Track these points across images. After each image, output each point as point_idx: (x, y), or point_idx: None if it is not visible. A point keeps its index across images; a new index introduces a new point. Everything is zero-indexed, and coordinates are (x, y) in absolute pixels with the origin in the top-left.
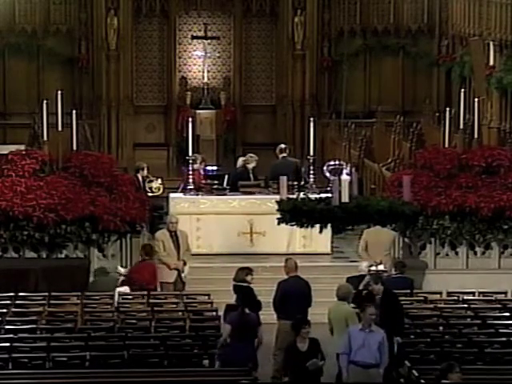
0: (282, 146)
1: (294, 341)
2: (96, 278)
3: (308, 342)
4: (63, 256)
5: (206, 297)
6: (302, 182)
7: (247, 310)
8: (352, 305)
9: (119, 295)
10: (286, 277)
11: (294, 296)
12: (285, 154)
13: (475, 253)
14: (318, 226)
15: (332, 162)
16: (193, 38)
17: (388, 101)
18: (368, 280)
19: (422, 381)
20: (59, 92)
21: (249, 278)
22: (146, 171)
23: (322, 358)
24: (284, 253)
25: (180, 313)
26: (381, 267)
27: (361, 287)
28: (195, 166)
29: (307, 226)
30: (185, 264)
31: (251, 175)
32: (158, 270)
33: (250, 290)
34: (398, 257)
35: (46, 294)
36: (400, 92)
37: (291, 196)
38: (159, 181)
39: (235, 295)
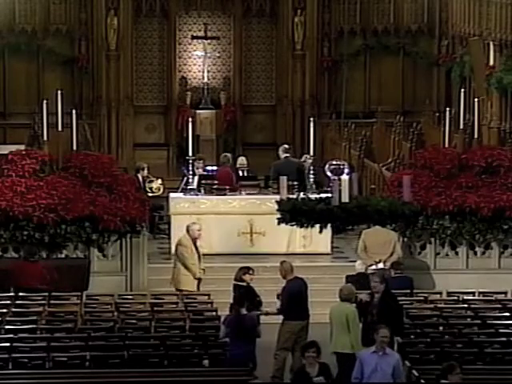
0: (286, 146)
1: (303, 365)
2: None
3: (318, 366)
4: (63, 256)
5: (206, 297)
6: (308, 185)
7: (244, 311)
8: (354, 305)
9: None
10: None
11: (298, 297)
12: (287, 155)
13: (475, 253)
14: (317, 226)
15: (334, 162)
16: (193, 38)
17: (388, 101)
18: (372, 278)
19: (422, 381)
20: (59, 92)
21: (247, 277)
22: (146, 171)
23: (331, 383)
24: (284, 253)
25: (180, 313)
26: (380, 265)
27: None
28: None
29: (307, 226)
30: (204, 273)
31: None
32: (183, 278)
33: (248, 290)
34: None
35: (46, 294)
36: (400, 92)
37: (291, 196)
38: (159, 181)
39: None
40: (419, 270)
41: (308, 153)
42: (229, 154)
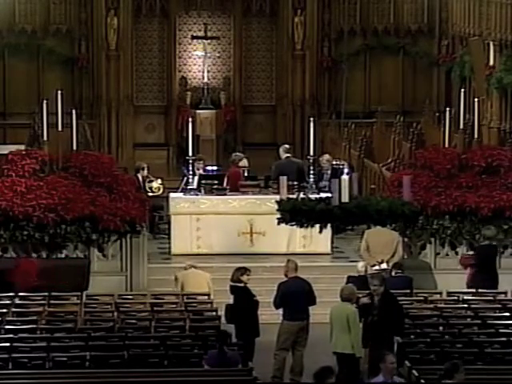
0: (287, 146)
1: None
2: None
3: None
4: (63, 256)
5: (206, 297)
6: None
7: (226, 349)
8: (355, 305)
9: None
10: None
11: (294, 296)
12: (288, 155)
13: None
14: (317, 226)
15: (334, 162)
16: (193, 38)
17: (388, 101)
18: (372, 281)
19: (422, 381)
20: (59, 92)
21: (244, 277)
22: (146, 171)
23: None
24: (284, 253)
25: (180, 313)
26: (384, 266)
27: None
28: (240, 164)
29: (307, 226)
30: None
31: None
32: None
33: (244, 290)
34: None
35: (46, 294)
36: (400, 92)
37: (291, 196)
38: (159, 181)
39: (232, 295)
40: (422, 270)
41: (313, 153)
42: (239, 154)
